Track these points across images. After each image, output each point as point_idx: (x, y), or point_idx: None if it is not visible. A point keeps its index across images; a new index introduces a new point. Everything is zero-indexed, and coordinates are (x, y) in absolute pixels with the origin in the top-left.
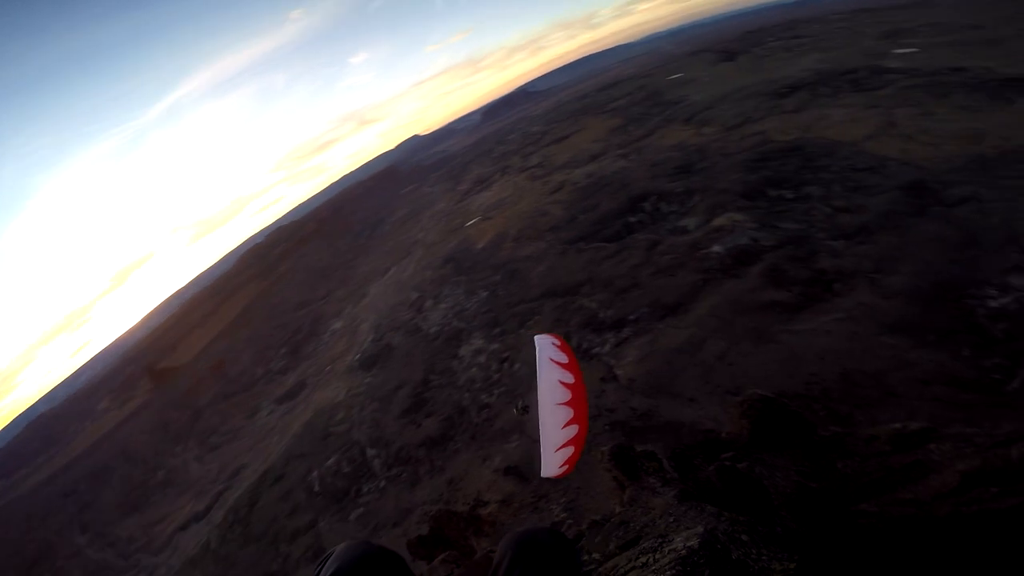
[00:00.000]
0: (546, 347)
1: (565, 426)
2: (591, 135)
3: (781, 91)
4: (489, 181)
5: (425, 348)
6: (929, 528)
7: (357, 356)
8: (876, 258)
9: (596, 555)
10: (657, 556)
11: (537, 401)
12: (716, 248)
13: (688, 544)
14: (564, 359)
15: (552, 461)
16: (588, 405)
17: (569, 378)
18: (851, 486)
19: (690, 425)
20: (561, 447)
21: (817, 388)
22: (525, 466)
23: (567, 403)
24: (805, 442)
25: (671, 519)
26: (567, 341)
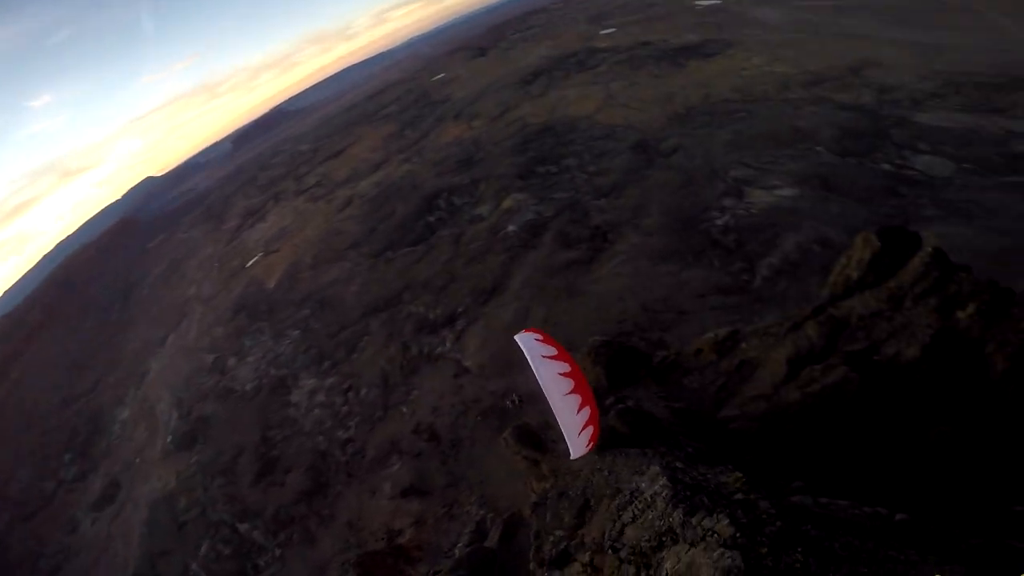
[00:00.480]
0: (531, 345)
1: (579, 411)
2: (368, 145)
3: (527, 79)
4: (262, 212)
5: (248, 407)
6: (789, 416)
7: (169, 439)
8: (631, 207)
9: (559, 532)
10: (642, 506)
11: (545, 396)
12: (511, 227)
13: (661, 483)
14: (552, 351)
15: (579, 444)
16: (588, 382)
17: (565, 367)
18: (706, 397)
19: None
20: (582, 429)
21: (629, 323)
22: (420, 481)
23: (572, 391)
24: (650, 371)
25: (607, 473)
26: (544, 332)
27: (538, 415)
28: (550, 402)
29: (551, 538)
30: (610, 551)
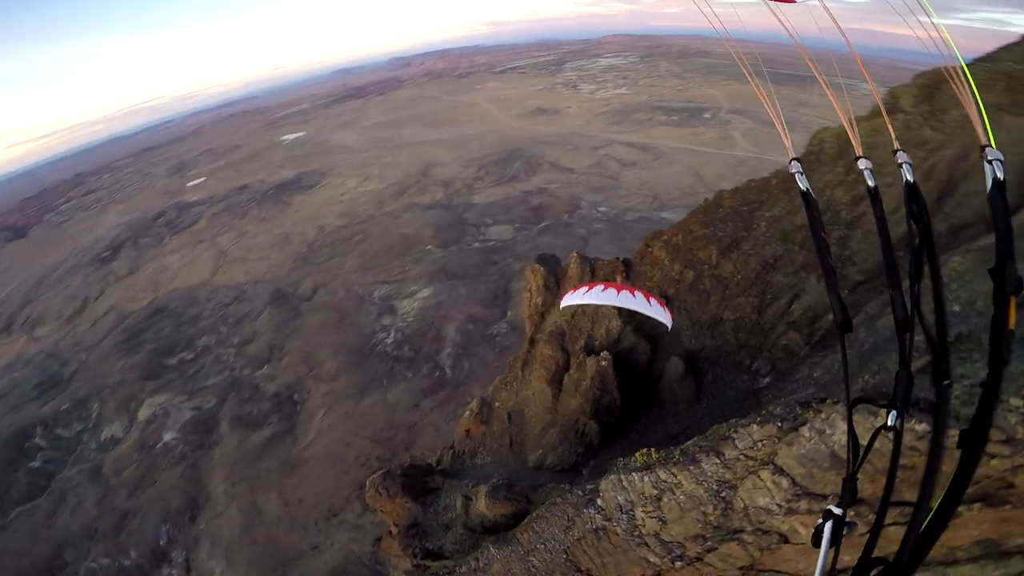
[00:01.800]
0: (577, 297)
1: (635, 295)
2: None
3: (103, 256)
4: None
5: None
6: None
7: None
8: (301, 362)
9: None
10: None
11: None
12: (168, 435)
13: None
14: (585, 289)
15: (663, 314)
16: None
17: (600, 288)
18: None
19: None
20: (656, 302)
21: (373, 460)
22: None
23: (620, 289)
24: (440, 472)
25: None
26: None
27: None
28: (626, 307)
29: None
30: None
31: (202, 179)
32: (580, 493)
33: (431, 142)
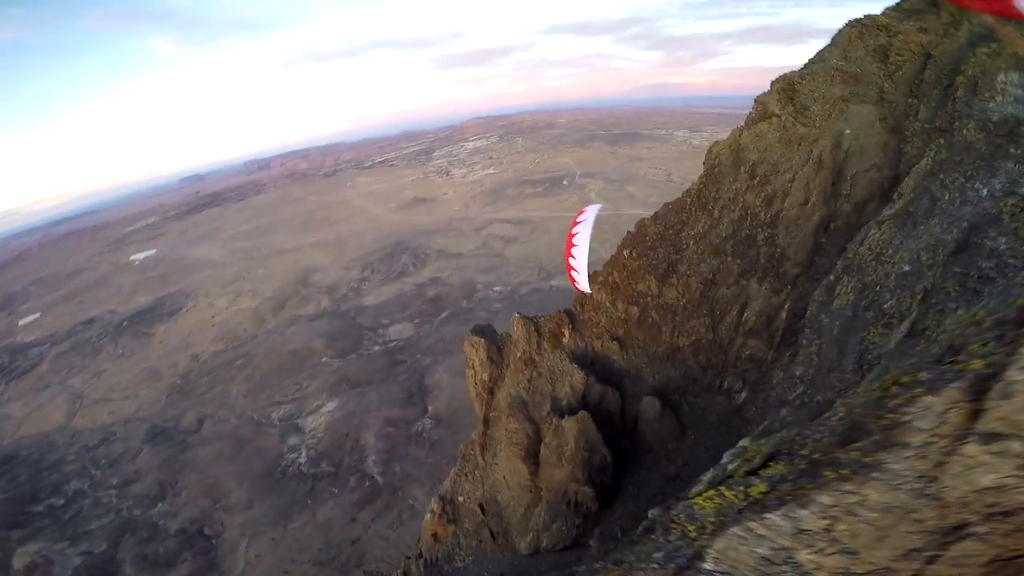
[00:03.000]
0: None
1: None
2: None
3: None
4: None
5: None
6: None
7: None
8: (203, 494)
9: None
10: None
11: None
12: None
13: None
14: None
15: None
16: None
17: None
18: None
19: None
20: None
21: None
22: None
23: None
24: None
25: None
26: None
27: None
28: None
29: None
30: None
31: (36, 315)
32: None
33: (305, 247)
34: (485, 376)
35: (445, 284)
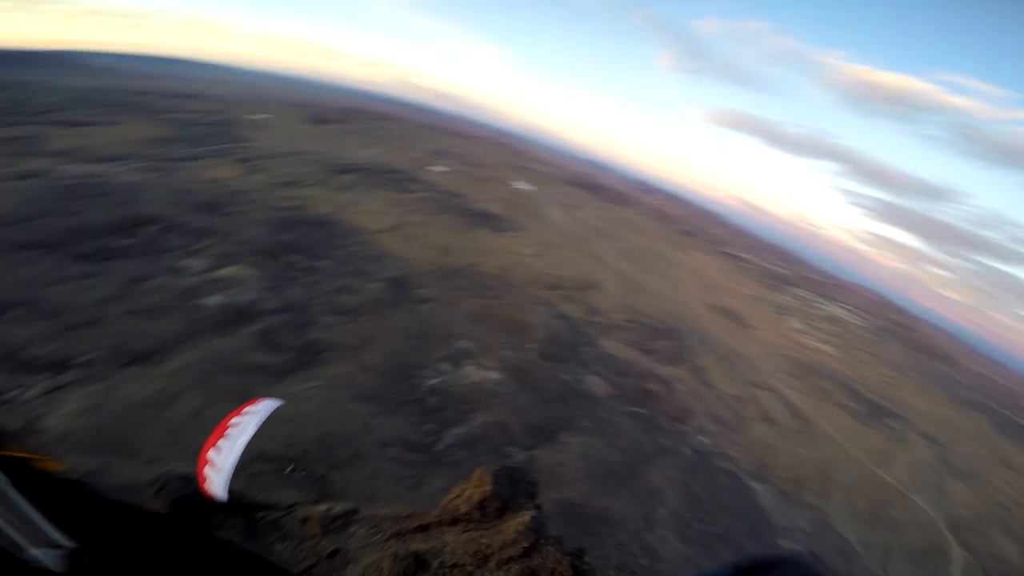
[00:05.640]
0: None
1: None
2: (124, 133)
3: (340, 168)
4: None
5: None
6: None
7: None
8: (360, 336)
9: None
10: None
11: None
12: (214, 299)
13: None
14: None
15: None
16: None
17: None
18: (293, 569)
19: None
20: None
21: (297, 448)
22: None
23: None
24: (248, 521)
25: None
26: None
27: None
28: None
29: None
30: None
31: (443, 169)
32: None
33: (612, 268)
34: (461, 508)
35: (670, 388)
